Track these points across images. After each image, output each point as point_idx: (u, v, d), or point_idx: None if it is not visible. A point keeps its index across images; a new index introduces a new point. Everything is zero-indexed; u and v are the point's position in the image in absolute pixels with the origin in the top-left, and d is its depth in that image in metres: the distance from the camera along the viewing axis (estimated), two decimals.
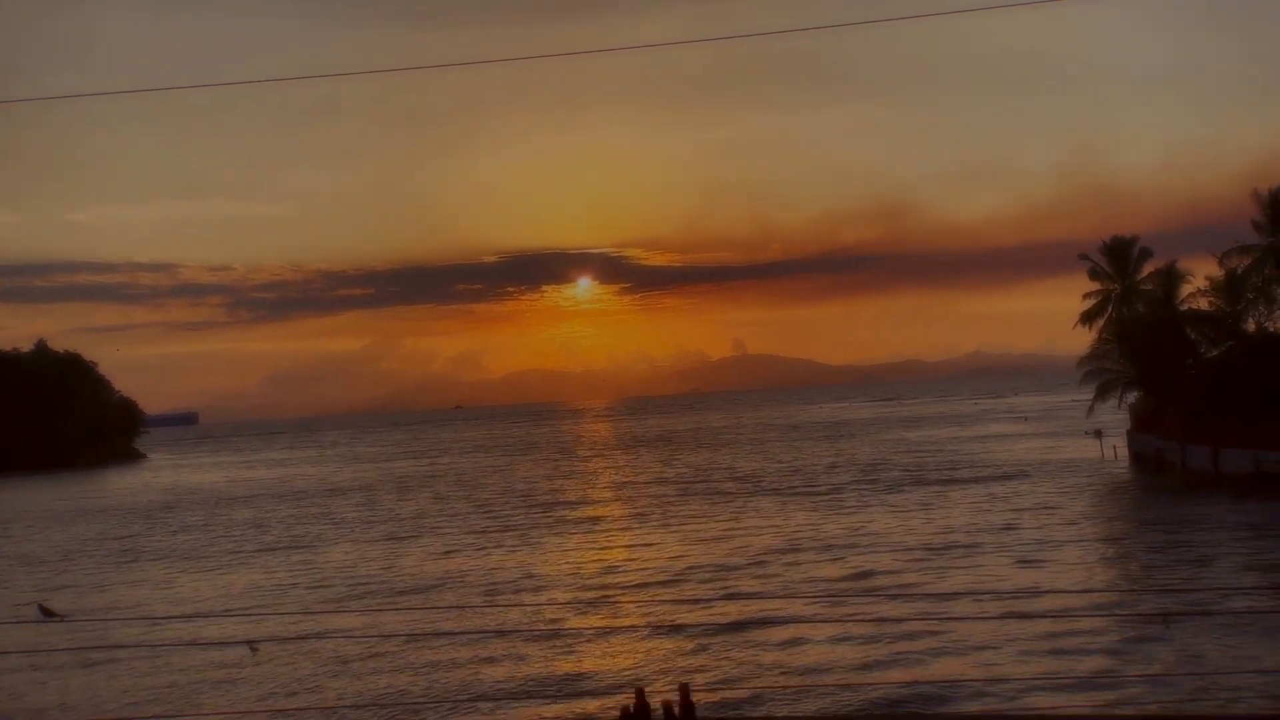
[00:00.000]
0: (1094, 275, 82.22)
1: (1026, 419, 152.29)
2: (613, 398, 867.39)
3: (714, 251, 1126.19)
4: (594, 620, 37.02)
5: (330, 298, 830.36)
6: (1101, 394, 78.43)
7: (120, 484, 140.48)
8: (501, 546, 57.38)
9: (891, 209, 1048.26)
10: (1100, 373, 78.22)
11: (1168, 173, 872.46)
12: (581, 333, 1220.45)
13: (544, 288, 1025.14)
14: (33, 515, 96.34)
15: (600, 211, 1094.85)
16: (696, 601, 38.30)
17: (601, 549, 54.88)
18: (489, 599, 41.99)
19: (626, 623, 36.16)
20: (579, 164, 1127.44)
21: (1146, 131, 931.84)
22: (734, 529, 58.11)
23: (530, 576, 46.73)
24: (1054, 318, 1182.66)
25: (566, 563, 50.69)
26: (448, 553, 56.00)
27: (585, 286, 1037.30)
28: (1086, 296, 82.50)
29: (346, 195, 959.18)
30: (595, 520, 67.34)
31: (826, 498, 70.07)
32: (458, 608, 40.25)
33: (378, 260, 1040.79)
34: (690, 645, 32.29)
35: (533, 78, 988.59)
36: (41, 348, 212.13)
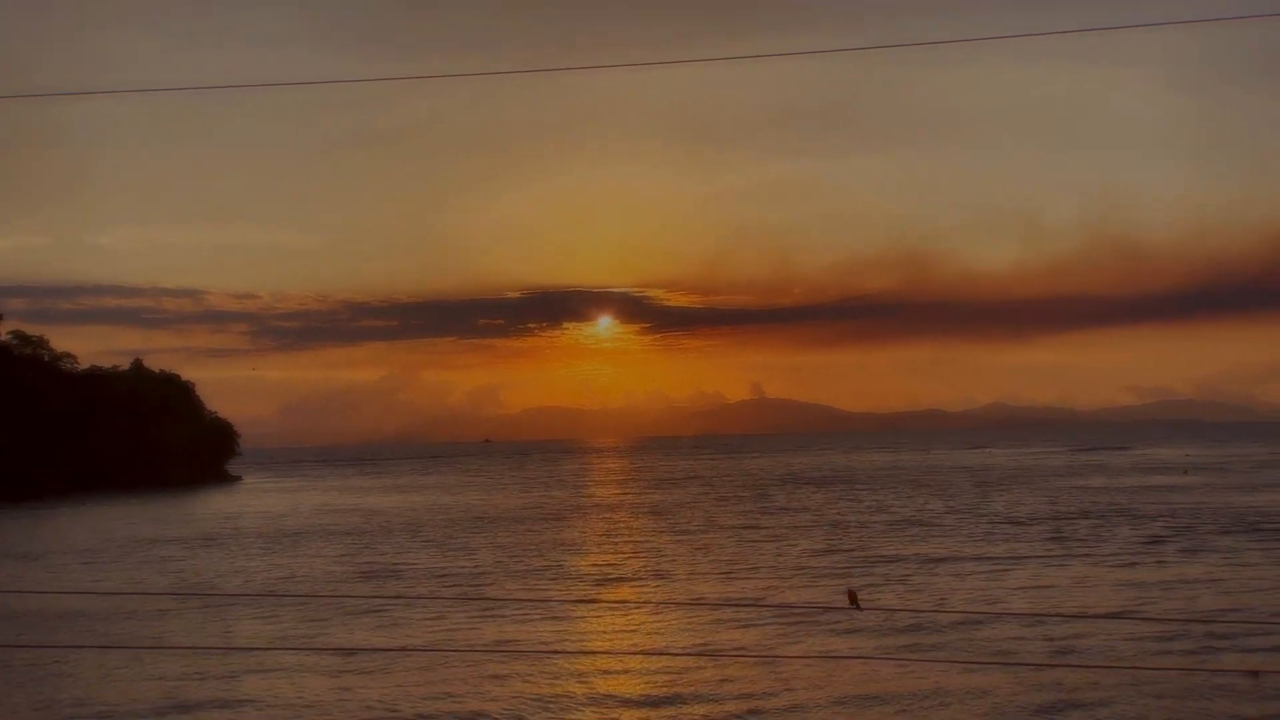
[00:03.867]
0: None
1: (1186, 471, 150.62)
2: (629, 437, 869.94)
3: (734, 294, 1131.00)
4: None
5: (353, 328, 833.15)
6: None
7: (262, 504, 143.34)
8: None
9: (913, 257, 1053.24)
10: None
11: (1192, 230, 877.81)
12: (600, 371, 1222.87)
13: (565, 325, 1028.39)
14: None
15: (623, 251, 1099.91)
16: None
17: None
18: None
19: None
20: (604, 203, 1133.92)
21: (1171, 188, 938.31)
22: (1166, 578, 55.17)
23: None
24: (1074, 371, 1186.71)
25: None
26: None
27: (606, 325, 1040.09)
28: None
29: (373, 227, 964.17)
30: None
31: (1123, 553, 65.95)
32: None
33: (401, 292, 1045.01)
34: None
35: (560, 117, 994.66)
36: (138, 366, 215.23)
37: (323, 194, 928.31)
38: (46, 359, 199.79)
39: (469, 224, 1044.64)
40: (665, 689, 33.66)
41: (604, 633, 44.62)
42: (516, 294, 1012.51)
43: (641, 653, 38.93)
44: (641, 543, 78.87)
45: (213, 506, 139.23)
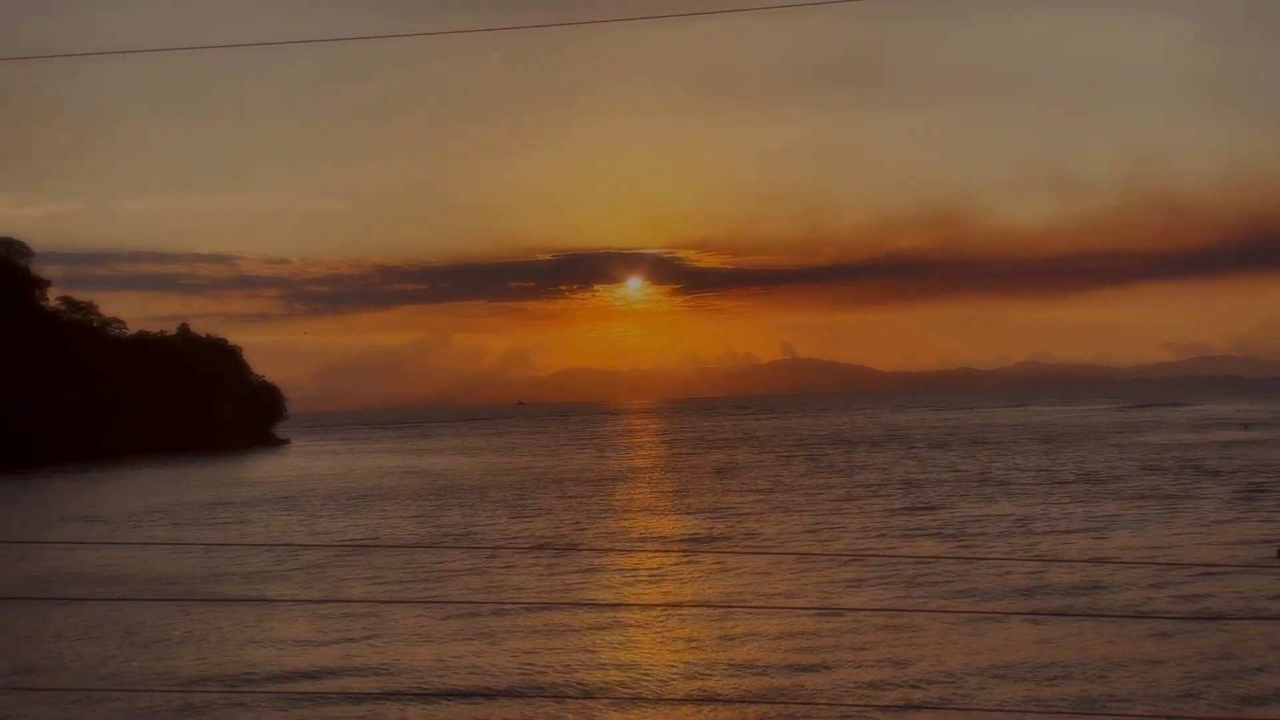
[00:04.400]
0: None
1: (1247, 427, 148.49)
2: (660, 398, 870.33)
3: (765, 254, 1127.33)
4: None
5: (385, 292, 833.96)
6: None
7: (322, 466, 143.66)
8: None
9: (946, 215, 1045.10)
10: None
11: (1228, 184, 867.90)
12: (631, 332, 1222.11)
13: (596, 286, 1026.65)
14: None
15: (653, 212, 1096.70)
16: None
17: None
18: None
19: None
20: (633, 164, 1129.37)
21: (1208, 142, 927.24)
22: None
23: None
24: (1109, 328, 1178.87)
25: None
26: None
27: (636, 286, 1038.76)
28: None
29: (403, 190, 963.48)
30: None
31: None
32: None
33: (433, 256, 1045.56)
34: None
35: (589, 78, 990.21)
36: (184, 331, 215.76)
37: (353, 158, 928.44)
38: (95, 325, 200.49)
39: (499, 187, 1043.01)
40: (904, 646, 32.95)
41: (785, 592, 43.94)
42: (547, 256, 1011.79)
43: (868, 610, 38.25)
44: (732, 503, 78.01)
45: (271, 469, 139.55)
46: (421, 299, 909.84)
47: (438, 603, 41.19)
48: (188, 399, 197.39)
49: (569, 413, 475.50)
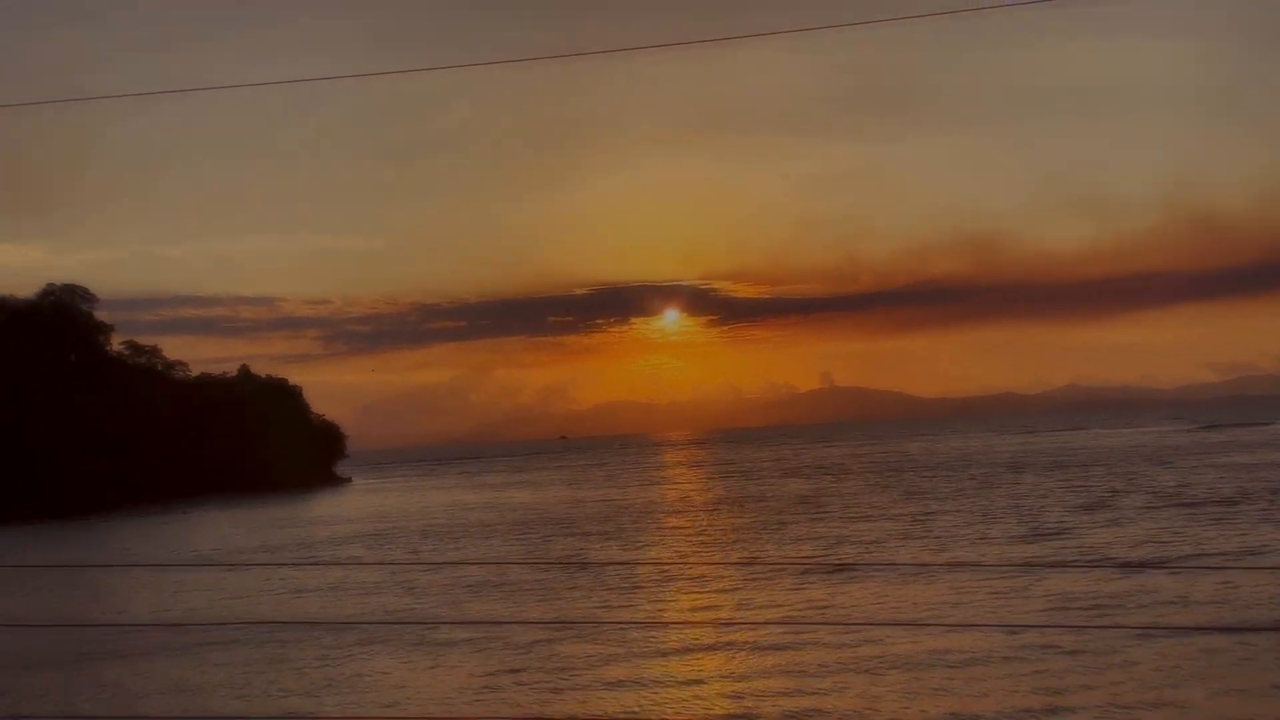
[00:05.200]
0: None
1: None
2: (700, 430, 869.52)
3: (801, 283, 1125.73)
4: None
5: (423, 330, 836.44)
6: None
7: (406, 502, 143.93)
8: None
9: (982, 240, 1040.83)
10: None
11: (1269, 201, 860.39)
12: (669, 365, 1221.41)
13: (633, 320, 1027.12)
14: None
15: (689, 243, 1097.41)
16: None
17: None
18: None
19: None
20: (667, 196, 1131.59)
21: (1245, 159, 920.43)
22: None
23: None
24: (1152, 350, 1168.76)
25: None
26: None
27: (674, 318, 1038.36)
28: None
29: (439, 228, 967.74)
30: None
31: None
32: None
33: (470, 292, 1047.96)
34: None
35: (621, 111, 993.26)
36: (245, 372, 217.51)
37: (388, 198, 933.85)
38: (160, 368, 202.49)
39: (534, 222, 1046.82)
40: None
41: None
42: (584, 290, 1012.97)
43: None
44: (869, 529, 77.27)
45: (348, 507, 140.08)
46: (460, 336, 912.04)
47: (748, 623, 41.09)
48: (251, 439, 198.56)
49: (612, 446, 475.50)
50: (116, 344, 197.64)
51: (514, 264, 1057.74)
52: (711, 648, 38.04)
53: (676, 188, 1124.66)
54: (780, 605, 46.11)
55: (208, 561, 70.35)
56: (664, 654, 37.28)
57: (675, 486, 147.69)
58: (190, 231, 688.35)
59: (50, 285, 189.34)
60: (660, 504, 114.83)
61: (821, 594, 49.14)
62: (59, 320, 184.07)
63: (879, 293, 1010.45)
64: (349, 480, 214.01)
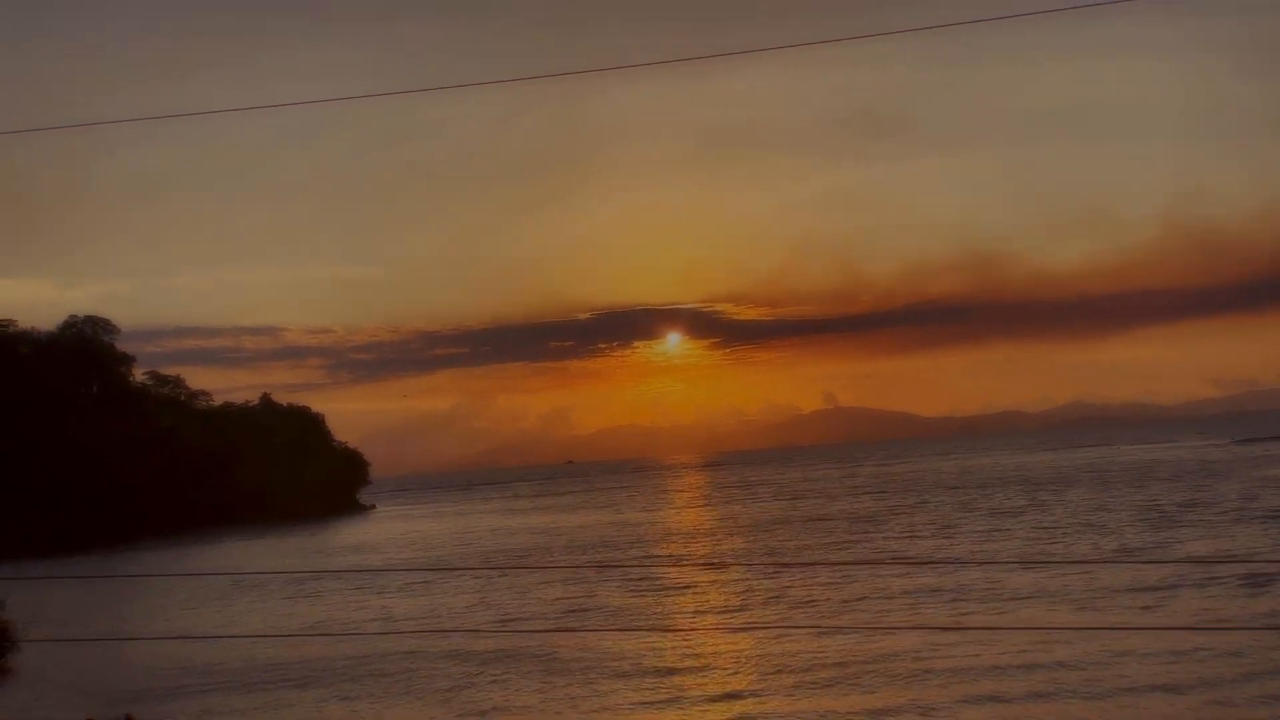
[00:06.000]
0: None
1: None
2: (703, 453, 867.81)
3: (802, 305, 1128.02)
4: None
5: (426, 357, 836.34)
6: None
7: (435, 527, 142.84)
8: None
9: (983, 259, 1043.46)
10: None
11: (1268, 217, 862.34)
12: (672, 388, 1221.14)
13: (635, 343, 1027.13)
14: None
15: (690, 266, 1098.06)
16: None
17: None
18: None
19: None
20: (667, 219, 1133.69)
21: (1245, 176, 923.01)
22: None
23: None
24: (1154, 367, 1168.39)
25: None
26: None
27: (675, 342, 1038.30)
28: None
29: (440, 256, 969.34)
30: None
31: None
32: None
33: (472, 319, 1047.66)
34: None
35: (620, 137, 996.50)
36: (267, 400, 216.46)
37: (389, 227, 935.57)
38: (183, 398, 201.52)
39: (535, 248, 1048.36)
40: None
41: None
42: (585, 315, 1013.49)
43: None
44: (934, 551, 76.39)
45: (385, 534, 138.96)
46: (462, 362, 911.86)
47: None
48: (275, 467, 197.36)
49: (619, 470, 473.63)
50: (139, 375, 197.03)
51: (515, 290, 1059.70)
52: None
53: (677, 211, 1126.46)
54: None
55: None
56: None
57: (724, 509, 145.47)
58: (193, 262, 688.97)
59: (72, 317, 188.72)
60: (713, 525, 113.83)
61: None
62: (81, 352, 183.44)
63: (881, 313, 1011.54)
64: (372, 508, 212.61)
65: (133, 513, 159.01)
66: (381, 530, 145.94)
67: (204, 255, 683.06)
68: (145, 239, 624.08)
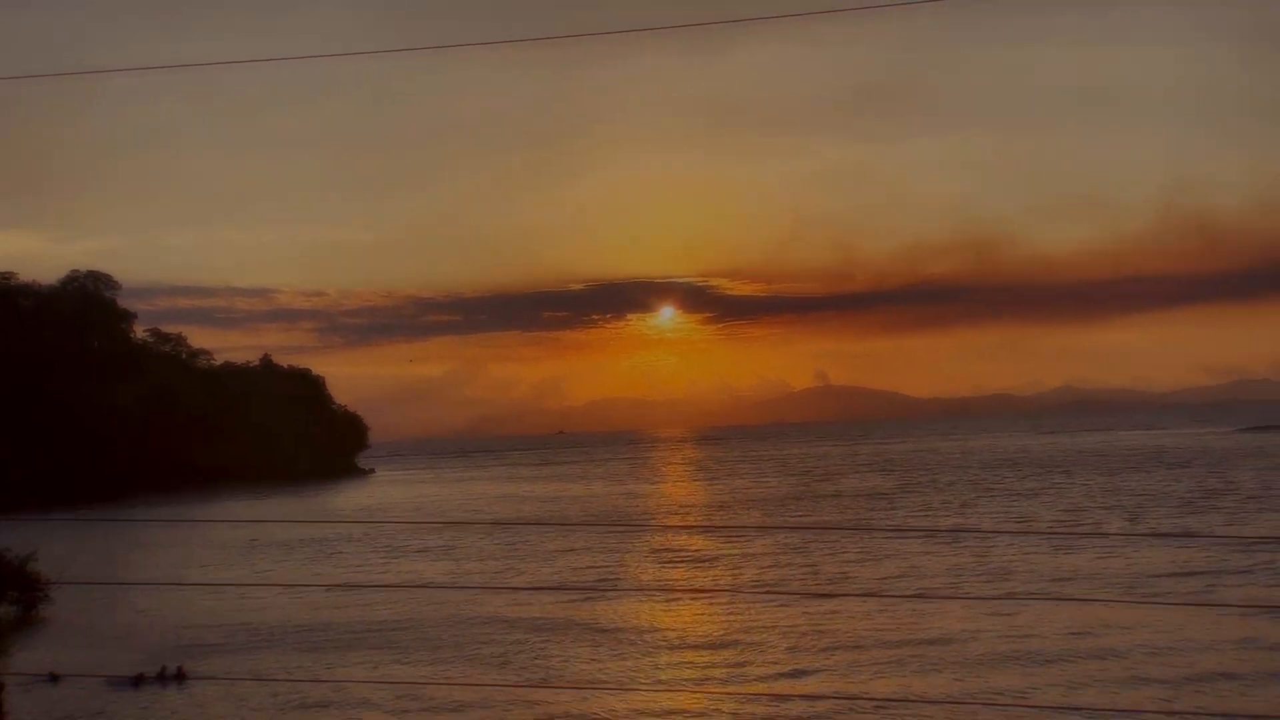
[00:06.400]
0: None
1: None
2: (694, 427, 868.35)
3: (797, 282, 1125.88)
4: None
5: (419, 323, 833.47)
6: None
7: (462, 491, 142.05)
8: None
9: (979, 241, 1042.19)
10: None
11: (1265, 206, 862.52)
12: (664, 361, 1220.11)
13: (629, 316, 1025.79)
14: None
15: (686, 240, 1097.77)
16: None
17: None
18: None
19: None
20: (665, 193, 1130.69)
21: (1243, 164, 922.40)
22: None
23: None
24: (1147, 353, 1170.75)
25: None
26: None
27: (669, 315, 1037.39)
28: None
29: (436, 223, 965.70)
30: None
31: None
32: None
33: (466, 287, 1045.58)
34: None
35: (619, 108, 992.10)
36: (267, 362, 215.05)
37: (386, 191, 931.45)
38: (184, 356, 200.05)
39: (531, 218, 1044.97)
40: None
41: None
42: (580, 286, 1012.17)
43: None
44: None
45: (386, 497, 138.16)
46: (455, 330, 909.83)
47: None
48: (276, 428, 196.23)
49: (613, 442, 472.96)
50: (140, 332, 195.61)
51: (510, 259, 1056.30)
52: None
53: (674, 184, 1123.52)
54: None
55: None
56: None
57: (739, 482, 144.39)
58: (188, 221, 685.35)
59: (74, 271, 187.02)
60: (736, 497, 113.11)
61: None
62: (83, 307, 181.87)
63: (875, 292, 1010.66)
64: (371, 471, 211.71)
65: (135, 470, 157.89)
66: (385, 494, 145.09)
67: (199, 213, 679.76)
68: (140, 195, 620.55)
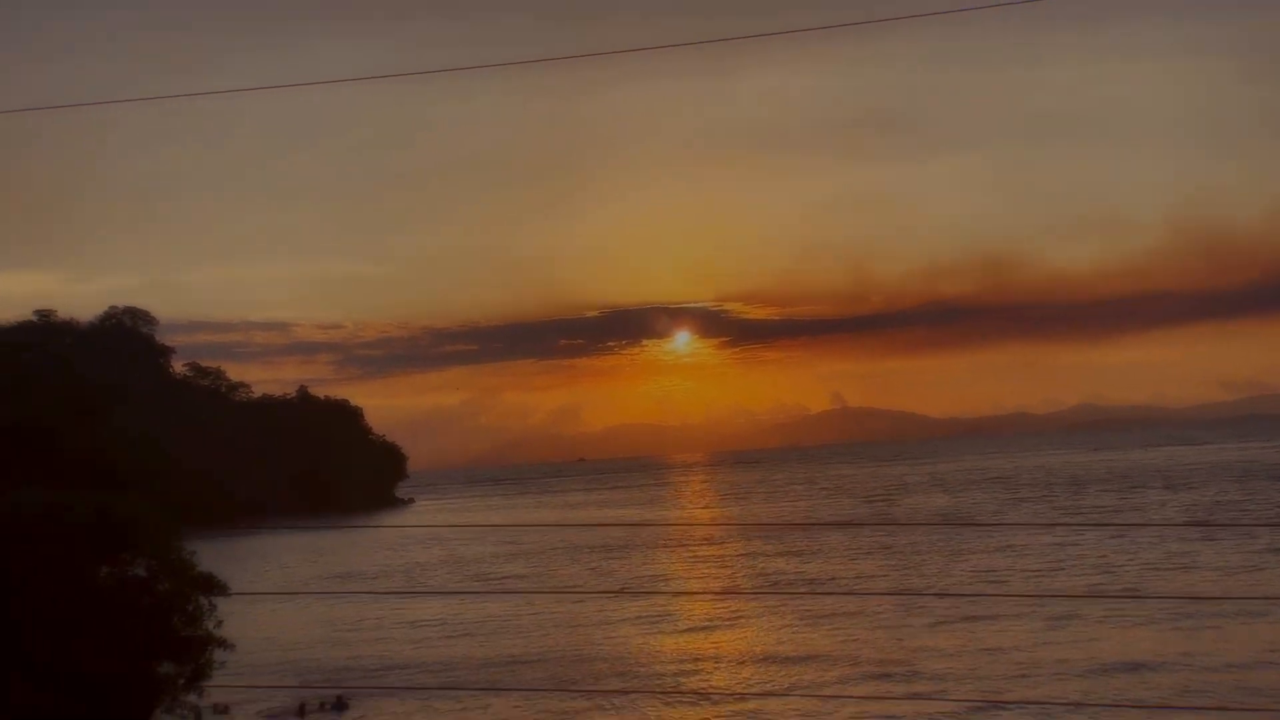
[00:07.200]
0: None
1: None
2: (712, 451, 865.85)
3: (812, 305, 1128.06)
4: None
5: (435, 354, 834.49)
6: None
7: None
8: None
9: (992, 261, 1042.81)
10: None
11: (1277, 220, 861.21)
12: (680, 386, 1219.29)
13: (644, 342, 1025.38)
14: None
15: (700, 265, 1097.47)
16: None
17: None
18: None
19: None
20: (678, 219, 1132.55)
21: (1254, 179, 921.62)
22: None
23: None
24: (1163, 369, 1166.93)
25: None
26: None
27: (685, 340, 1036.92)
28: None
29: (450, 253, 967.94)
30: None
31: None
32: None
33: (481, 317, 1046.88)
34: None
35: (631, 135, 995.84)
36: (304, 394, 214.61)
37: (401, 224, 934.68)
38: (223, 389, 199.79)
39: (545, 246, 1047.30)
40: None
41: None
42: (595, 313, 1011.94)
43: None
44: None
45: (443, 528, 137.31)
46: (471, 359, 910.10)
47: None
48: (314, 460, 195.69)
49: (634, 468, 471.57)
50: (179, 367, 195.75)
51: (525, 287, 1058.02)
52: None
53: (687, 210, 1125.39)
54: None
55: None
56: None
57: (790, 505, 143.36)
58: (203, 258, 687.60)
59: (113, 308, 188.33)
60: (787, 519, 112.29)
61: None
62: (123, 343, 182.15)
63: (890, 313, 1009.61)
64: (411, 501, 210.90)
65: (189, 505, 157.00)
66: (439, 522, 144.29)
67: (214, 251, 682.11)
68: (156, 235, 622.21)
